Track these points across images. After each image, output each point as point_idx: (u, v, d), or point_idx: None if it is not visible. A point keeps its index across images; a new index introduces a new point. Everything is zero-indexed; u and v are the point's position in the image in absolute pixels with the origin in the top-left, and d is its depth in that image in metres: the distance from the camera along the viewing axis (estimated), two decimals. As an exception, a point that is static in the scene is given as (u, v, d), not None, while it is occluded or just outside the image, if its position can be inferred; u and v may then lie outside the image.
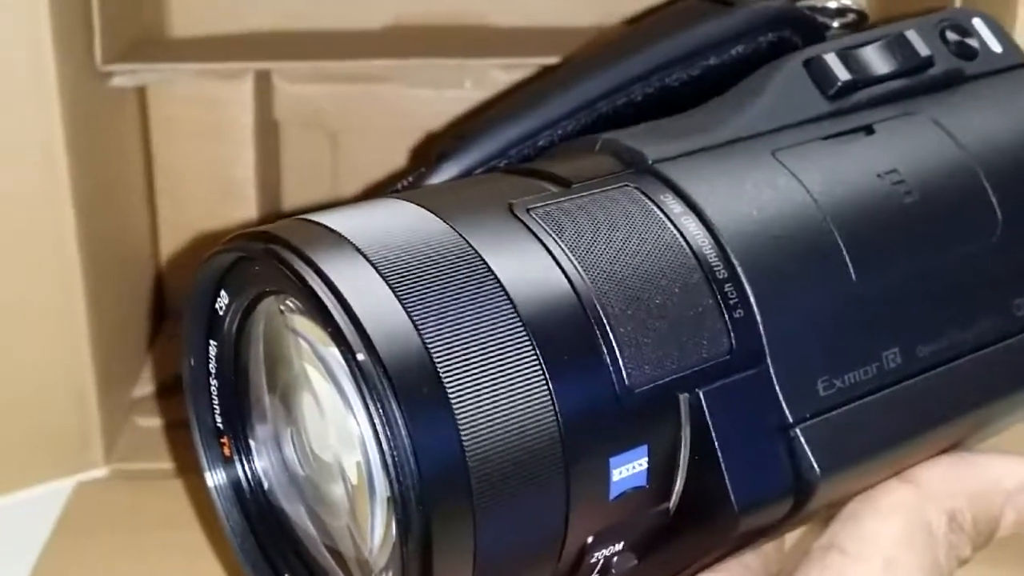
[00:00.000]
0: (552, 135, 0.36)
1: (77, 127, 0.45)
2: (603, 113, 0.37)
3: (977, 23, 0.38)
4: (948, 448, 0.33)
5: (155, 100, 0.53)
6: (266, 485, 0.32)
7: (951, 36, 0.37)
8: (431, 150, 0.37)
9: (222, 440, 0.32)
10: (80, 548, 0.43)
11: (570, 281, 0.28)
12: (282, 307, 0.29)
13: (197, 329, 0.31)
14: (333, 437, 0.29)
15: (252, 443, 0.32)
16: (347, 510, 0.29)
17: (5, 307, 0.45)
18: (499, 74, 0.52)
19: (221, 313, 0.30)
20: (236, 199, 0.53)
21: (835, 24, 0.40)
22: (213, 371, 0.32)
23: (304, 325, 0.28)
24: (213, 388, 0.32)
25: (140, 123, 0.53)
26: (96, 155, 0.47)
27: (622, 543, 0.29)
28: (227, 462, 0.32)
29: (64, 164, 0.44)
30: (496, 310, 0.27)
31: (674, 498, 0.29)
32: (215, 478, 0.32)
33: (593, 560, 0.29)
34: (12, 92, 0.43)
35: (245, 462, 0.32)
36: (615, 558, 0.29)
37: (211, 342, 0.31)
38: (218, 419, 0.32)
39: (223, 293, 0.30)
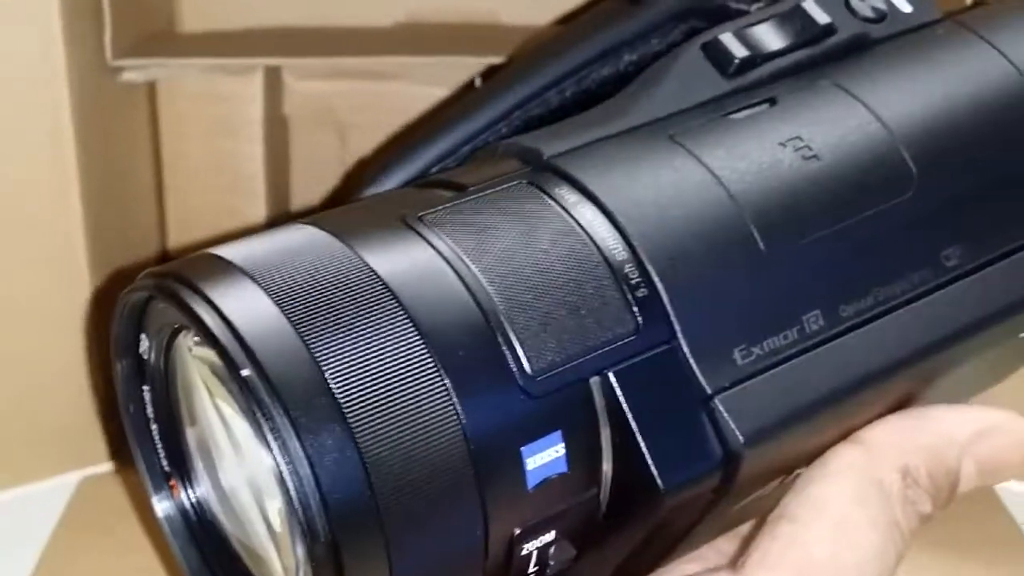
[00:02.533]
0: (473, 149, 0.37)
1: (87, 122, 0.46)
2: (521, 122, 0.37)
3: (884, -15, 0.38)
4: (896, 407, 0.33)
5: (165, 95, 0.53)
6: (212, 520, 0.33)
7: (855, 2, 0.37)
8: (363, 175, 0.38)
9: (171, 482, 0.33)
10: (84, 542, 0.43)
11: (462, 279, 0.28)
12: (190, 345, 0.30)
13: (128, 375, 0.32)
14: (252, 477, 0.30)
15: (196, 481, 0.33)
16: (274, 552, 0.30)
17: (12, 301, 0.46)
18: (509, 72, 0.52)
19: (145, 356, 0.31)
20: (245, 195, 0.53)
21: (753, 8, 0.40)
22: (151, 415, 0.32)
23: (211, 358, 0.29)
24: (154, 432, 0.33)
25: (149, 118, 0.54)
26: (105, 150, 0.48)
27: (553, 533, 0.29)
28: (177, 502, 0.33)
29: (73, 158, 0.45)
30: (387, 317, 0.27)
31: (604, 483, 0.29)
32: (168, 518, 0.33)
33: (524, 553, 0.29)
34: (23, 86, 0.44)
35: (194, 500, 0.33)
36: (551, 549, 0.29)
37: (144, 387, 0.32)
38: (164, 462, 0.33)
39: (143, 336, 0.31)
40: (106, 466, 0.48)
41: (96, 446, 0.48)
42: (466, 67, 0.52)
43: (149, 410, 0.32)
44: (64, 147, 0.45)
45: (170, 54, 0.52)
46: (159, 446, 0.33)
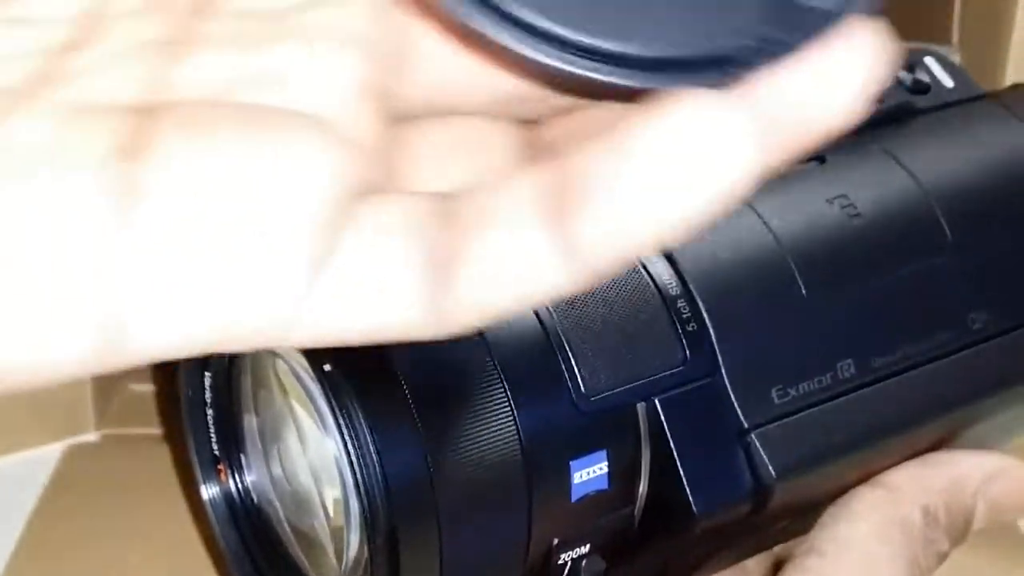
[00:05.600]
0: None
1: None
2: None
3: (929, 61, 0.40)
4: (917, 454, 0.35)
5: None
6: (258, 503, 0.34)
7: (902, 74, 0.39)
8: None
9: (219, 466, 0.34)
10: (70, 511, 0.43)
11: None
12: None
13: (191, 361, 0.33)
14: (313, 467, 0.31)
15: (245, 466, 0.34)
16: (327, 536, 0.31)
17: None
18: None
19: (212, 343, 0.33)
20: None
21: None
22: (209, 400, 0.34)
23: (286, 351, 0.30)
24: (209, 417, 0.34)
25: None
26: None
27: (588, 546, 0.31)
28: (223, 485, 0.34)
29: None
30: None
31: (638, 503, 0.31)
32: (212, 500, 0.34)
33: (560, 562, 0.30)
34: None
35: (240, 484, 0.34)
36: (583, 561, 0.31)
37: (206, 373, 0.33)
38: (215, 446, 0.34)
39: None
40: (92, 435, 0.48)
41: (82, 414, 0.48)
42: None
43: (207, 395, 0.34)
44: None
45: None
46: (212, 431, 0.34)
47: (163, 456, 0.45)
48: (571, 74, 0.20)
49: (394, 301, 0.20)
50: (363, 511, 0.27)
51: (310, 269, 0.19)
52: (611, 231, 0.18)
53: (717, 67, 0.20)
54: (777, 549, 0.36)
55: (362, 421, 0.27)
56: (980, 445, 0.36)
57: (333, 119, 0.20)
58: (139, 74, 0.20)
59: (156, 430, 0.47)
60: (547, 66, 0.20)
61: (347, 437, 0.27)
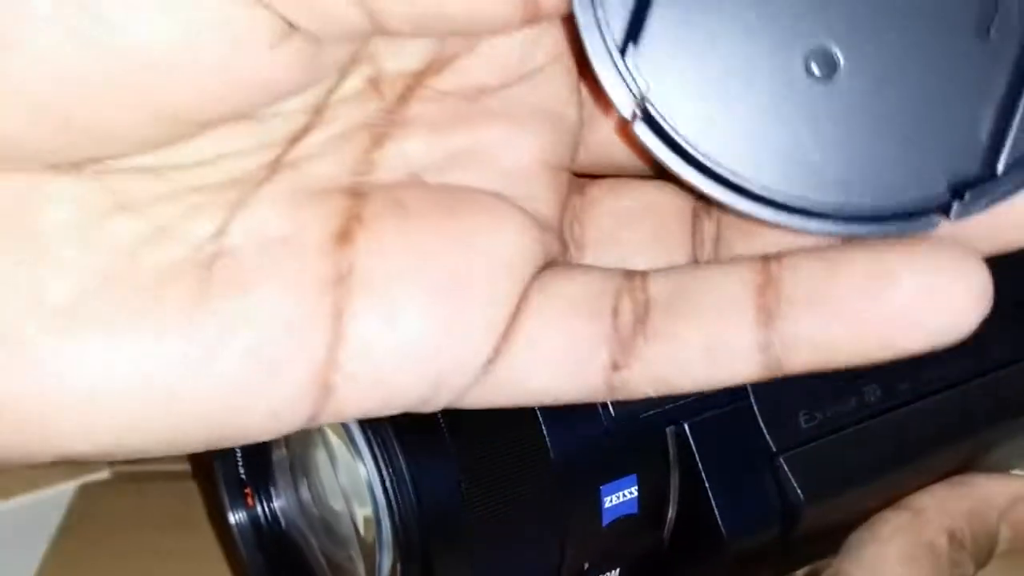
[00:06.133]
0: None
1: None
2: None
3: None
4: (945, 475, 0.35)
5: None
6: (286, 527, 0.34)
7: None
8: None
9: (246, 490, 0.34)
10: (84, 551, 0.44)
11: None
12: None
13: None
14: (344, 490, 0.31)
15: (273, 490, 0.34)
16: (358, 559, 0.31)
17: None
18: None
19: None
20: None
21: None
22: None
23: None
24: (237, 449, 0.34)
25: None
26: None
27: (618, 570, 0.31)
28: (250, 509, 0.34)
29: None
30: None
31: (668, 527, 0.31)
32: (239, 525, 0.34)
33: (592, 587, 0.30)
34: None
35: (267, 508, 0.34)
36: (613, 586, 0.31)
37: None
38: (241, 471, 0.34)
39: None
40: (104, 474, 0.49)
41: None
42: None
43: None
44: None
45: None
46: (239, 456, 0.34)
47: (175, 492, 0.46)
48: (772, 224, 0.21)
49: (572, 372, 0.21)
50: (396, 534, 0.27)
51: (496, 339, 0.21)
52: (823, 343, 0.21)
53: (925, 216, 0.21)
54: (802, 572, 0.36)
55: (395, 444, 0.27)
56: (1003, 468, 0.36)
57: (521, 197, 0.22)
58: (349, 157, 0.22)
59: (168, 467, 0.48)
60: (744, 214, 0.21)
61: (380, 460, 0.27)
